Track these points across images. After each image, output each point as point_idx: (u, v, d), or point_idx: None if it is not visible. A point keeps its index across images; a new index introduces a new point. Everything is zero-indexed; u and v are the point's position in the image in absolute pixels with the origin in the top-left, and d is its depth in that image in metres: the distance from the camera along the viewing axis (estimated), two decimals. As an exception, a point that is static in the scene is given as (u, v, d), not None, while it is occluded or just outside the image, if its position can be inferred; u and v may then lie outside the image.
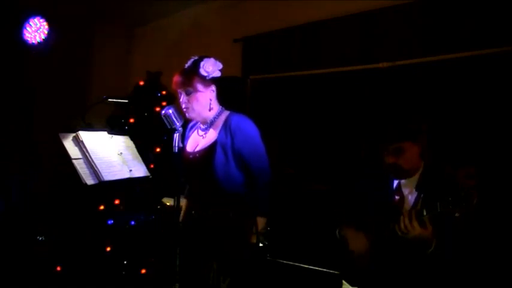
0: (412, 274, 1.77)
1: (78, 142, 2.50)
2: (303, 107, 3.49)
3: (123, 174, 2.63)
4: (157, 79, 4.04)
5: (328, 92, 3.33)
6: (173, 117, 1.93)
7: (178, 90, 2.05)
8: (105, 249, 2.96)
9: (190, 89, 2.02)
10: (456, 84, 2.66)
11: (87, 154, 2.48)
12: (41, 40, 4.19)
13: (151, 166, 3.27)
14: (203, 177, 2.05)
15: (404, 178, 1.89)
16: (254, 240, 2.02)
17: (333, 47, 3.31)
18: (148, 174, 2.81)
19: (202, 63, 2.04)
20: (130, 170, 2.68)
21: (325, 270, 2.43)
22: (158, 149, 3.65)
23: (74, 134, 2.51)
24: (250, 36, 3.93)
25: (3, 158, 4.18)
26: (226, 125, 2.03)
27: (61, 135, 2.47)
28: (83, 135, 2.51)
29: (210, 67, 2.04)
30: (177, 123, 1.94)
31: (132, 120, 3.76)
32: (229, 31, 4.07)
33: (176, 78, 2.04)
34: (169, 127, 1.96)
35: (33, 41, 4.21)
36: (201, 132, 2.12)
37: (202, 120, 2.10)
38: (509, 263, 2.19)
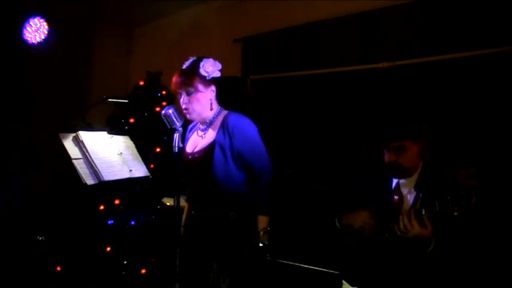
0: (412, 273, 1.77)
1: (78, 142, 2.50)
2: (303, 107, 3.49)
3: (123, 174, 2.63)
4: (157, 79, 4.04)
5: (328, 92, 3.33)
6: (173, 117, 1.94)
7: (178, 91, 2.05)
8: (105, 249, 2.96)
9: (191, 89, 2.01)
10: (456, 84, 2.66)
11: (87, 154, 2.48)
12: (41, 40, 4.19)
13: (151, 166, 3.27)
14: (203, 177, 2.05)
15: (404, 177, 1.89)
16: (255, 240, 2.02)
17: (333, 47, 3.31)
18: (148, 174, 2.81)
19: (202, 64, 2.04)
20: (130, 170, 2.68)
21: (325, 270, 2.43)
22: (158, 149, 3.65)
23: (74, 134, 2.51)
24: (250, 36, 3.93)
25: (3, 158, 4.18)
26: (224, 124, 2.03)
27: (61, 135, 2.47)
28: (83, 135, 2.51)
29: (210, 67, 2.04)
30: (177, 123, 1.94)
31: (132, 120, 3.76)
32: (229, 31, 4.07)
33: (176, 79, 2.04)
34: (169, 127, 1.96)
35: (33, 41, 4.20)
36: (200, 133, 2.12)
37: (202, 120, 2.10)
38: (508, 263, 2.19)
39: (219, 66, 2.08)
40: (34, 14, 4.20)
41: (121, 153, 2.71)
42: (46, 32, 4.18)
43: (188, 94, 2.02)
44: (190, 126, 2.22)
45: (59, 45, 4.32)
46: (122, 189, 3.10)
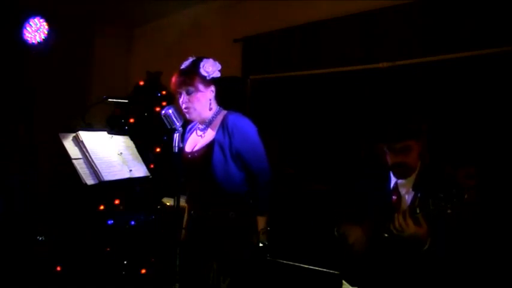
0: (411, 273, 1.77)
1: (78, 142, 2.50)
2: (303, 107, 3.49)
3: (123, 174, 2.63)
4: (157, 79, 4.04)
5: (328, 92, 3.33)
6: (173, 117, 1.94)
7: (178, 90, 2.04)
8: (105, 249, 2.96)
9: (192, 89, 2.01)
10: (456, 84, 2.66)
11: (87, 154, 2.48)
12: (41, 40, 4.19)
13: (151, 166, 3.27)
14: (202, 176, 2.05)
15: (407, 177, 1.89)
16: (255, 240, 2.03)
17: (333, 47, 3.31)
18: (148, 174, 2.81)
19: (202, 64, 2.04)
20: (130, 170, 2.68)
21: (325, 270, 2.43)
22: (158, 149, 3.65)
23: (74, 134, 2.51)
24: (250, 36, 3.93)
25: (3, 158, 4.18)
26: (223, 124, 2.03)
27: (61, 135, 2.48)
28: (83, 135, 2.51)
29: (210, 67, 2.04)
30: (177, 123, 1.94)
31: (132, 120, 3.76)
32: (229, 31, 4.07)
33: (176, 78, 2.04)
34: (169, 127, 1.96)
35: (33, 41, 4.20)
36: (199, 133, 2.12)
37: (202, 120, 2.10)
38: (503, 261, 2.19)
39: (218, 66, 2.08)
40: (34, 14, 4.20)
41: (121, 153, 2.71)
42: (46, 32, 4.18)
43: (188, 93, 2.02)
44: (189, 127, 2.22)
45: (59, 45, 4.32)
46: (122, 189, 3.10)
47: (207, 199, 2.06)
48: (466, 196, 1.57)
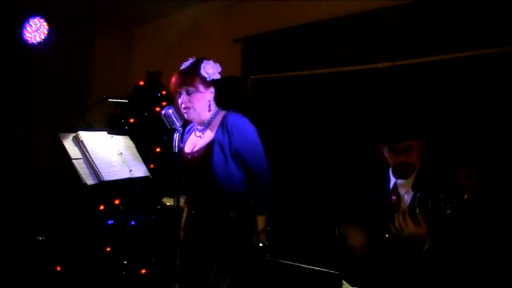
0: (411, 273, 1.77)
1: (78, 142, 2.50)
2: (303, 107, 3.49)
3: (123, 174, 2.63)
4: (157, 79, 4.04)
5: (328, 92, 3.33)
6: (173, 117, 1.94)
7: (178, 90, 2.04)
8: (105, 249, 2.96)
9: (192, 89, 2.02)
10: (456, 84, 2.66)
11: (87, 154, 2.48)
12: (41, 40, 4.19)
13: (151, 166, 3.27)
14: (202, 176, 2.05)
15: (408, 177, 1.89)
16: (255, 240, 2.03)
17: (333, 47, 3.31)
18: (148, 174, 2.81)
19: (202, 65, 2.04)
20: (130, 170, 2.68)
21: (325, 270, 2.43)
22: (158, 149, 3.65)
23: (74, 134, 2.51)
24: (250, 36, 3.93)
25: (3, 158, 4.18)
26: (223, 124, 2.03)
27: (61, 135, 2.48)
28: (83, 135, 2.51)
29: (210, 69, 2.05)
30: (177, 123, 1.94)
31: (132, 120, 3.76)
32: (229, 31, 4.07)
33: (177, 78, 2.04)
34: (169, 127, 1.96)
35: (33, 41, 4.20)
36: (198, 133, 2.13)
37: (201, 121, 2.10)
38: (503, 261, 2.19)
39: (219, 68, 2.09)
40: (34, 14, 4.20)
41: (121, 153, 2.71)
42: (46, 32, 4.18)
43: (188, 94, 2.02)
44: (187, 128, 2.22)
45: (59, 45, 4.32)
46: (122, 189, 3.10)
47: (207, 199, 2.06)
48: (465, 196, 1.58)
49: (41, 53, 4.29)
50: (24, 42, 4.22)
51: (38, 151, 4.33)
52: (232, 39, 4.03)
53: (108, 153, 2.62)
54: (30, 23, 4.21)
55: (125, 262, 2.97)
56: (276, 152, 3.54)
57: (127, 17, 4.90)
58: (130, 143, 2.87)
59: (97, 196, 3.08)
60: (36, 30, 4.21)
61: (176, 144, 1.93)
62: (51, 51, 4.29)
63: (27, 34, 4.21)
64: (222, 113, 2.11)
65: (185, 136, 2.21)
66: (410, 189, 1.87)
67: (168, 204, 3.09)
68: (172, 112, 1.94)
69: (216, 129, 2.04)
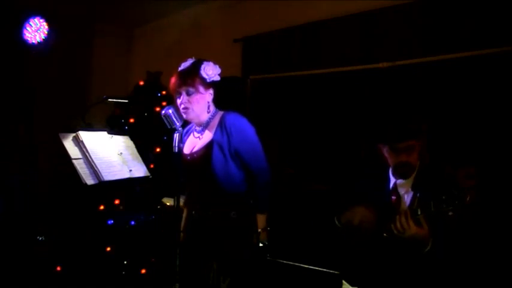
0: (411, 273, 1.77)
1: (78, 142, 2.50)
2: (303, 107, 3.49)
3: (123, 174, 2.63)
4: (157, 79, 4.04)
5: (328, 92, 3.33)
6: (173, 117, 1.94)
7: (178, 90, 2.04)
8: (105, 249, 2.96)
9: (192, 90, 2.02)
10: (456, 84, 2.66)
11: (87, 154, 2.48)
12: (41, 40, 4.19)
13: (151, 166, 3.27)
14: (202, 176, 2.05)
15: (408, 177, 1.89)
16: (256, 239, 2.03)
17: (333, 47, 3.31)
18: (148, 174, 2.81)
19: (203, 66, 2.05)
20: (130, 170, 2.68)
21: (325, 270, 2.43)
22: (158, 149, 3.65)
23: (74, 134, 2.51)
24: (250, 36, 3.93)
25: (3, 158, 4.18)
26: (221, 123, 2.03)
27: (61, 135, 2.47)
28: (83, 135, 2.51)
29: (210, 70, 2.05)
30: (177, 123, 1.94)
31: (132, 120, 3.76)
32: (229, 31, 4.07)
33: (177, 78, 2.04)
34: (169, 127, 1.96)
35: (33, 41, 4.20)
36: (196, 134, 2.13)
37: (199, 122, 2.10)
38: (503, 261, 2.19)
39: (218, 70, 2.09)
40: (34, 14, 4.20)
41: (121, 153, 2.71)
42: (46, 32, 4.18)
43: (188, 94, 2.02)
44: (185, 129, 2.22)
45: (59, 45, 4.32)
46: (122, 189, 3.10)
47: (207, 199, 2.06)
48: (467, 198, 1.57)
49: (41, 53, 4.29)
50: (24, 42, 4.22)
51: (38, 151, 4.33)
52: (232, 39, 4.03)
53: (108, 153, 2.62)
54: (30, 23, 4.21)
55: (125, 262, 2.97)
56: (276, 152, 3.54)
57: (127, 17, 4.90)
58: (130, 143, 2.87)
59: (97, 196, 3.08)
60: (36, 30, 4.21)
61: (176, 144, 1.92)
62: (51, 51, 4.30)
63: (27, 34, 4.21)
64: (220, 113, 2.11)
65: (184, 137, 2.21)
66: (410, 189, 1.87)
67: (168, 204, 3.09)
68: (172, 112, 1.94)
69: (214, 129, 2.05)
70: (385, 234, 1.81)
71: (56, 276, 3.02)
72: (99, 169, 2.47)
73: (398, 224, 1.71)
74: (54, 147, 2.62)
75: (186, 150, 2.13)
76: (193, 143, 2.12)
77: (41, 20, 4.20)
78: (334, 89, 3.30)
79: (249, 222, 2.04)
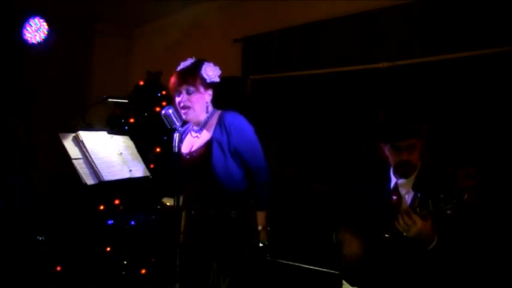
0: (411, 273, 1.77)
1: (78, 142, 2.50)
2: (303, 107, 3.49)
3: (123, 174, 2.62)
4: (157, 79, 4.04)
5: (328, 92, 3.33)
6: (173, 117, 1.94)
7: (179, 89, 2.04)
8: (105, 249, 2.96)
9: (192, 89, 2.02)
10: (456, 84, 2.66)
11: (87, 154, 2.48)
12: (41, 40, 4.19)
13: (151, 166, 3.27)
14: (202, 176, 2.05)
15: (409, 177, 1.89)
16: (257, 239, 2.03)
17: (333, 47, 3.31)
18: (148, 174, 2.81)
19: (204, 67, 2.05)
20: (130, 170, 2.68)
21: (325, 270, 2.43)
22: (158, 149, 3.65)
23: (74, 134, 2.51)
24: (250, 36, 3.94)
25: (3, 158, 4.18)
26: (220, 122, 2.04)
27: (61, 135, 2.47)
28: (83, 135, 2.51)
29: (211, 71, 2.06)
30: (177, 123, 1.94)
31: (132, 120, 3.76)
32: (229, 31, 4.07)
33: (178, 77, 2.04)
34: (169, 127, 1.96)
35: (33, 41, 4.20)
36: (194, 134, 2.13)
37: (197, 121, 2.10)
38: (503, 261, 2.19)
39: (218, 72, 2.10)
40: (34, 14, 4.19)
41: (121, 153, 2.71)
42: (46, 32, 4.18)
43: (188, 93, 2.02)
44: (182, 129, 2.22)
45: (59, 45, 4.32)
46: (122, 189, 3.10)
47: (207, 199, 2.06)
48: (465, 196, 1.57)
49: (41, 53, 4.29)
50: (24, 42, 4.21)
51: (38, 151, 4.33)
52: (232, 39, 4.03)
53: (108, 153, 2.62)
54: (30, 23, 4.20)
55: (125, 262, 2.97)
56: (276, 152, 3.54)
57: (127, 17, 4.90)
58: (130, 143, 2.87)
59: (97, 196, 3.08)
60: (36, 30, 4.20)
61: (176, 144, 1.93)
62: (51, 51, 4.29)
63: (27, 34, 4.21)
64: (218, 112, 2.12)
65: (182, 137, 2.21)
66: (411, 189, 1.87)
67: (168, 204, 3.09)
68: (172, 112, 1.94)
69: (213, 128, 2.05)
70: (386, 235, 1.81)
71: (56, 276, 3.02)
72: (99, 169, 2.47)
73: (401, 222, 1.70)
74: (54, 147, 2.61)
75: (185, 150, 2.13)
76: (192, 142, 2.12)
77: (41, 20, 4.19)
78: (334, 89, 3.30)
79: (250, 221, 2.04)
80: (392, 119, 2.05)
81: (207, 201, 2.06)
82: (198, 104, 2.04)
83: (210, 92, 2.09)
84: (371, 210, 1.94)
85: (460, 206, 1.59)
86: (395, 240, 1.77)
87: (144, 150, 3.01)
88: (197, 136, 2.11)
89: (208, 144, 2.02)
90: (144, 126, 3.68)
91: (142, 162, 2.81)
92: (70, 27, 4.53)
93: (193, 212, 2.11)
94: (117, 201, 3.13)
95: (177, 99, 2.05)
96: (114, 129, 3.44)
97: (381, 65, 3.00)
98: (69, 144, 2.47)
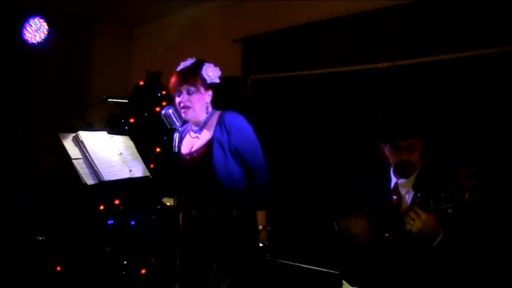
0: (412, 273, 1.77)
1: (78, 142, 2.50)
2: (303, 107, 3.49)
3: (123, 174, 2.63)
4: (157, 79, 4.04)
5: (328, 92, 3.33)
6: (173, 117, 1.94)
7: (179, 88, 2.04)
8: (105, 249, 2.96)
9: (193, 89, 2.02)
10: (456, 84, 2.66)
11: (87, 154, 2.48)
12: (41, 40, 4.19)
13: (151, 166, 3.27)
14: (202, 175, 2.05)
15: (409, 177, 1.89)
16: (256, 239, 2.03)
17: (333, 47, 3.31)
18: (148, 174, 2.81)
19: (204, 67, 2.06)
20: (130, 170, 2.68)
21: (325, 270, 2.43)
22: (158, 149, 3.65)
23: (74, 134, 2.51)
24: (250, 36, 3.94)
25: (3, 158, 4.18)
26: (220, 122, 2.04)
27: (61, 135, 2.47)
28: (83, 135, 2.51)
29: (211, 72, 2.07)
30: (177, 123, 1.95)
31: (132, 120, 3.76)
32: (229, 31, 4.07)
33: (178, 76, 2.04)
34: (169, 127, 1.96)
35: (33, 41, 4.20)
36: (193, 134, 2.13)
37: (197, 122, 2.10)
38: (503, 261, 2.19)
39: (219, 73, 2.10)
40: (34, 14, 4.19)
41: (121, 153, 2.71)
42: (46, 32, 4.18)
43: (189, 93, 2.03)
44: (182, 129, 2.22)
45: (59, 45, 4.32)
46: (122, 189, 3.10)
47: (208, 199, 2.06)
48: (466, 196, 1.57)
49: (41, 53, 4.29)
50: (24, 42, 4.21)
51: (38, 151, 4.33)
52: (232, 39, 4.03)
53: (108, 153, 2.62)
54: (30, 23, 4.20)
55: (125, 262, 2.97)
56: (276, 152, 3.55)
57: (127, 17, 4.90)
58: (130, 143, 2.87)
59: (97, 196, 3.08)
60: (36, 30, 4.20)
61: (176, 144, 1.93)
62: (51, 51, 4.29)
63: (27, 34, 4.21)
64: (218, 112, 2.12)
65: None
66: (411, 189, 1.87)
67: (168, 204, 3.09)
68: (172, 112, 1.94)
69: (213, 128, 2.05)
70: (386, 234, 1.81)
71: (56, 276, 3.02)
72: (99, 169, 2.47)
73: (408, 218, 1.69)
74: (54, 147, 2.62)
75: (184, 150, 2.12)
76: (191, 142, 2.12)
77: (41, 20, 4.19)
78: (334, 89, 3.30)
79: (250, 221, 2.05)
80: (392, 119, 2.05)
81: (207, 201, 2.06)
82: (198, 105, 2.04)
83: (210, 92, 2.09)
84: (371, 210, 1.94)
85: (461, 205, 1.59)
86: (395, 240, 1.77)
87: (144, 150, 3.01)
88: (197, 136, 2.11)
89: (209, 144, 2.02)
90: (144, 126, 3.69)
91: (142, 162, 2.81)
92: (70, 27, 4.53)
93: (193, 212, 2.11)
94: (117, 201, 3.13)
95: (178, 99, 2.05)
96: (114, 129, 3.44)
97: (380, 65, 3.00)
98: (69, 144, 2.47)
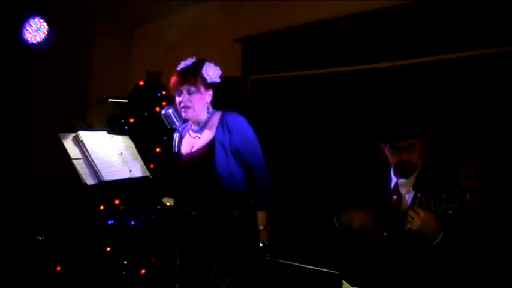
0: (411, 273, 1.77)
1: (78, 142, 2.49)
2: (303, 107, 3.49)
3: (123, 174, 2.62)
4: (157, 79, 4.04)
5: (328, 92, 3.33)
6: (173, 117, 1.94)
7: (180, 88, 2.04)
8: (105, 249, 2.96)
9: (193, 89, 2.02)
10: (456, 84, 2.66)
11: (87, 154, 2.48)
12: (41, 40, 4.19)
13: (151, 166, 3.27)
14: (203, 175, 2.05)
15: (409, 177, 1.89)
16: (256, 239, 2.03)
17: (333, 47, 3.31)
18: (148, 174, 2.81)
19: (205, 67, 2.05)
20: (130, 170, 2.68)
21: (325, 270, 2.43)
22: (158, 149, 3.65)
23: (74, 134, 2.51)
24: (250, 36, 3.94)
25: (3, 158, 4.18)
26: (222, 122, 2.04)
27: (61, 135, 2.47)
28: (83, 135, 2.51)
29: (212, 72, 2.06)
30: (177, 123, 1.94)
31: (132, 120, 3.75)
32: (229, 31, 4.07)
33: (178, 76, 2.04)
34: (169, 127, 1.96)
35: (33, 41, 4.20)
36: (193, 134, 2.12)
37: (197, 121, 2.10)
38: (503, 261, 2.19)
39: (219, 72, 2.10)
40: (34, 14, 4.19)
41: (121, 153, 2.71)
42: (46, 32, 4.18)
43: (189, 93, 2.02)
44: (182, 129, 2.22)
45: (59, 45, 4.32)
46: (122, 189, 3.10)
47: (208, 199, 2.06)
48: (467, 197, 1.57)
49: (41, 53, 4.29)
50: (24, 42, 4.22)
51: (38, 151, 4.33)
52: (232, 39, 4.03)
53: (108, 153, 2.62)
54: (30, 23, 4.20)
55: (125, 262, 2.97)
56: (276, 152, 3.55)
57: (127, 17, 4.90)
58: (130, 143, 2.87)
59: (97, 196, 3.08)
60: (36, 30, 4.20)
61: (176, 144, 1.93)
62: (51, 51, 4.30)
63: (27, 34, 4.21)
64: (219, 112, 2.12)
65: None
66: (411, 189, 1.88)
67: (168, 204, 3.09)
68: (172, 112, 1.94)
69: (215, 128, 2.05)
70: (385, 234, 1.81)
71: (56, 276, 3.02)
72: (99, 169, 2.47)
73: (408, 217, 1.69)
74: (54, 147, 2.62)
75: (184, 150, 2.12)
76: (191, 142, 2.12)
77: (41, 20, 4.19)
78: (334, 89, 3.30)
79: (251, 221, 2.05)
80: (392, 119, 2.05)
81: (207, 201, 2.06)
82: (198, 104, 2.04)
83: (210, 92, 2.09)
84: (371, 210, 1.94)
85: (462, 206, 1.59)
86: (395, 240, 1.77)
87: (144, 150, 3.01)
88: (197, 136, 2.10)
89: (211, 144, 2.02)
90: (144, 126, 3.68)
91: (142, 162, 2.81)
92: (70, 27, 4.53)
93: (194, 212, 2.11)
94: (117, 201, 3.13)
95: (178, 98, 2.05)
96: (114, 129, 3.43)
97: (380, 65, 3.00)
98: (69, 144, 2.47)
